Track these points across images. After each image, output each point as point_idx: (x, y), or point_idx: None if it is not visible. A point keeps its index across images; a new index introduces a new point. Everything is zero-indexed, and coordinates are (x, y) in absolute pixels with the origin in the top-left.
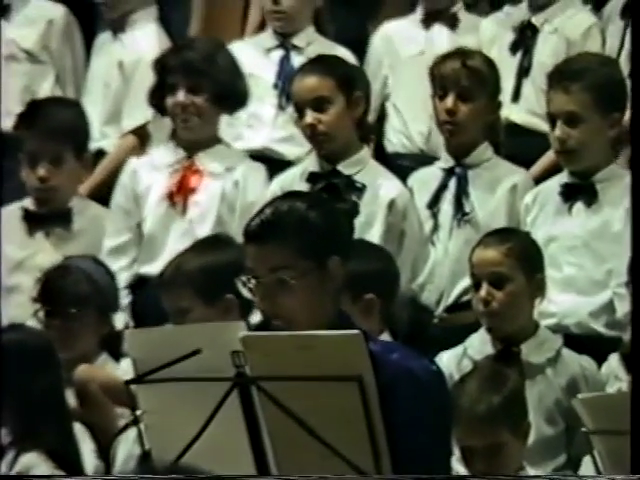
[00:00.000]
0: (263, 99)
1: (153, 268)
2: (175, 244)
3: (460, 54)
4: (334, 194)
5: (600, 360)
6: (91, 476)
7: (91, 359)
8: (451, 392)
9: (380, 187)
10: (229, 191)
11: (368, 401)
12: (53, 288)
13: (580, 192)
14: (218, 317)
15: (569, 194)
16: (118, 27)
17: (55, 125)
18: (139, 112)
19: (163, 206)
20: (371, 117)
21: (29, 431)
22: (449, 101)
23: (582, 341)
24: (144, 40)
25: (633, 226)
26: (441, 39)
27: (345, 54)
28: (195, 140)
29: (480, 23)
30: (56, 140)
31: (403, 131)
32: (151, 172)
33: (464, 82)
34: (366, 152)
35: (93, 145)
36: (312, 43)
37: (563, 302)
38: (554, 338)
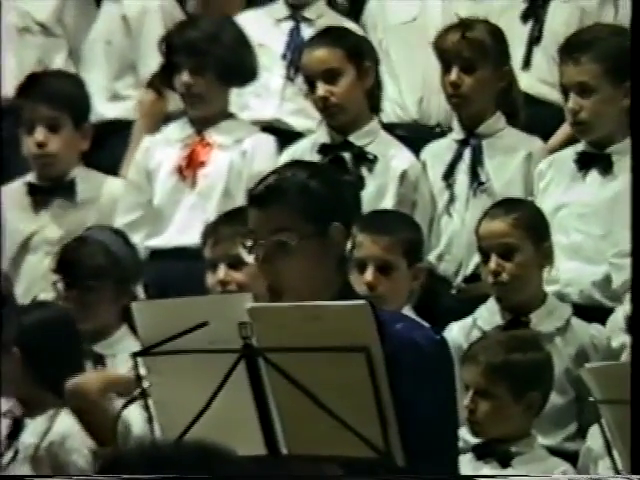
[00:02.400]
0: (271, 70)
1: (160, 241)
2: (183, 217)
3: (460, 26)
4: (341, 166)
5: None
6: (92, 476)
7: (111, 331)
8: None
9: (392, 158)
10: (237, 162)
11: (375, 372)
12: (70, 260)
13: (595, 161)
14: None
15: (584, 162)
16: None
17: (52, 92)
18: (153, 61)
19: (173, 180)
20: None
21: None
22: (453, 74)
23: (583, 310)
24: None
25: (633, 226)
26: (435, 6)
27: (353, 27)
28: (204, 116)
29: None
30: (52, 106)
31: (397, 99)
32: (163, 148)
33: (466, 54)
34: (377, 123)
35: (103, 109)
36: (322, 16)
37: (567, 269)
38: (563, 307)
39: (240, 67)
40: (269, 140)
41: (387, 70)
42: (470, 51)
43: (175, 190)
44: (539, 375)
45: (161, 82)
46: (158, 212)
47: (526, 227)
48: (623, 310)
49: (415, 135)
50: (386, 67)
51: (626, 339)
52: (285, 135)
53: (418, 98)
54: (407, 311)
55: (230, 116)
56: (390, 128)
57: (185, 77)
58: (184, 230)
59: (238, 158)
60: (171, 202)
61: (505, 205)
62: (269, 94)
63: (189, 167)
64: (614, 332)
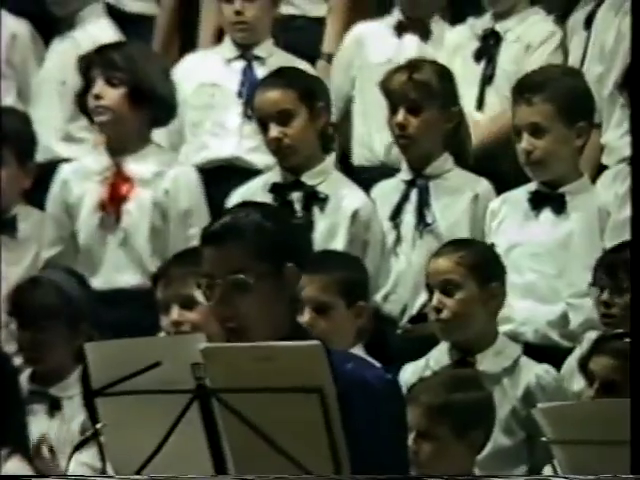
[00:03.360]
0: (228, 108)
1: (94, 283)
2: (113, 255)
3: (408, 67)
4: (290, 209)
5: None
6: (91, 476)
7: (66, 373)
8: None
9: (343, 198)
10: (160, 200)
11: (329, 412)
12: (23, 301)
13: (548, 200)
14: None
15: (538, 202)
16: (68, 26)
17: None
18: None
19: (96, 216)
20: (335, 119)
21: None
22: (399, 115)
23: (539, 350)
24: (100, 31)
25: (633, 225)
26: (411, 49)
27: (304, 66)
28: (120, 142)
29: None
30: None
31: (366, 141)
32: (82, 182)
33: (412, 95)
34: (329, 163)
35: (58, 148)
36: (273, 54)
37: (522, 309)
38: (512, 347)
39: (154, 92)
40: (190, 173)
41: (359, 110)
42: (416, 92)
43: (100, 227)
44: (481, 414)
45: (81, 107)
46: (85, 250)
47: (470, 266)
48: (580, 351)
49: (383, 178)
50: (358, 107)
51: (582, 382)
52: (245, 172)
53: (387, 140)
54: (358, 350)
55: (149, 143)
56: (360, 171)
57: (98, 88)
58: (118, 269)
59: (161, 196)
60: (98, 239)
61: (455, 244)
62: (227, 133)
63: (111, 203)
64: (572, 374)
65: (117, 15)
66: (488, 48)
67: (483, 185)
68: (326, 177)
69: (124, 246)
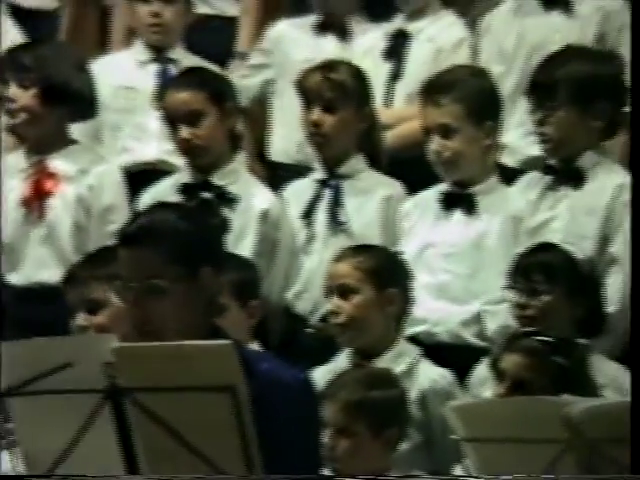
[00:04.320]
0: (147, 111)
1: (15, 278)
2: (35, 250)
3: (324, 67)
4: (207, 208)
5: (467, 370)
6: (93, 476)
7: None
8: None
9: (253, 197)
10: (84, 195)
11: (241, 411)
12: None
13: (459, 201)
14: None
15: (449, 202)
16: None
17: None
18: None
19: (20, 212)
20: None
21: None
22: (314, 114)
23: (451, 350)
24: (4, 32)
25: (633, 225)
26: (331, 48)
27: (216, 68)
28: (40, 141)
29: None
30: None
31: (284, 139)
32: (7, 181)
33: (327, 94)
34: (238, 163)
35: None
36: (186, 57)
37: (435, 309)
38: (411, 350)
39: (67, 89)
40: (114, 171)
41: (277, 107)
42: (332, 92)
43: (24, 223)
44: (396, 411)
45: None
46: (9, 246)
47: (368, 270)
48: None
49: (298, 176)
50: (276, 105)
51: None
52: (169, 174)
53: (301, 138)
54: (254, 348)
55: (72, 142)
56: (275, 168)
57: (10, 91)
58: (41, 265)
59: (85, 192)
60: (20, 235)
61: (355, 249)
62: (148, 136)
63: (34, 197)
64: (484, 379)
65: (16, 12)
66: (398, 48)
67: (395, 187)
68: (236, 177)
69: (47, 242)
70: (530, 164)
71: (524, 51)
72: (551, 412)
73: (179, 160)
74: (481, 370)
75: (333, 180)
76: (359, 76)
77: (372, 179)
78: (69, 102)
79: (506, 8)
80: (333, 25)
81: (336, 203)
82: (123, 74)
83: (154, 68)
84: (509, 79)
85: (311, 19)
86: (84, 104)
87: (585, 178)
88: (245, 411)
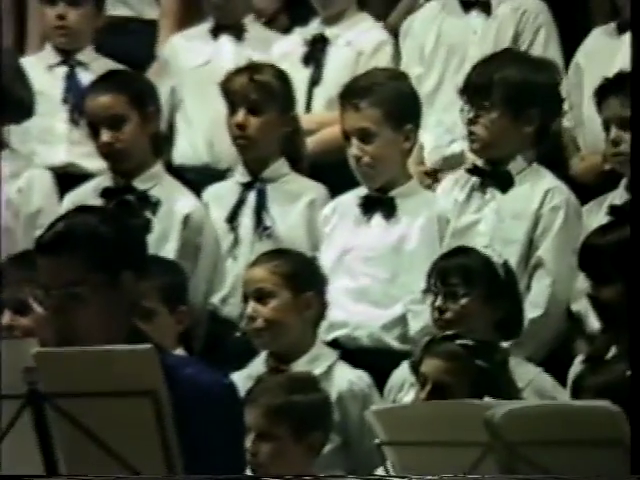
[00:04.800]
0: (54, 115)
1: None
2: None
3: (249, 69)
4: (128, 210)
5: (388, 374)
6: (93, 476)
7: None
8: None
9: (175, 202)
10: (14, 198)
11: (162, 415)
12: None
13: (379, 205)
14: None
15: (368, 206)
16: None
17: None
18: None
19: None
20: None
21: None
22: (239, 115)
23: (372, 353)
24: None
25: (632, 226)
26: (227, 50)
27: (133, 71)
28: None
29: (270, 36)
30: None
31: (190, 143)
32: None
33: (253, 96)
34: (160, 167)
35: None
36: (96, 60)
37: (356, 313)
38: (328, 354)
39: (8, 94)
40: (44, 175)
41: (181, 114)
42: (257, 93)
43: None
44: (319, 415)
45: None
46: None
47: (284, 275)
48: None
49: (206, 179)
50: (180, 111)
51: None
52: (79, 178)
53: (209, 141)
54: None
55: (4, 147)
56: (181, 171)
57: None
58: None
59: (14, 194)
60: None
61: (271, 254)
62: (56, 139)
63: None
64: (403, 382)
65: None
66: (316, 53)
67: (319, 190)
68: (158, 181)
69: None
70: (448, 164)
71: (442, 52)
72: (473, 415)
73: (90, 163)
74: (400, 373)
75: (257, 184)
76: (284, 79)
77: (296, 183)
78: (9, 107)
79: (427, 10)
80: (228, 28)
81: (261, 207)
82: (33, 78)
83: (62, 71)
84: (428, 80)
85: (207, 24)
86: (23, 109)
87: (513, 182)
88: (166, 416)
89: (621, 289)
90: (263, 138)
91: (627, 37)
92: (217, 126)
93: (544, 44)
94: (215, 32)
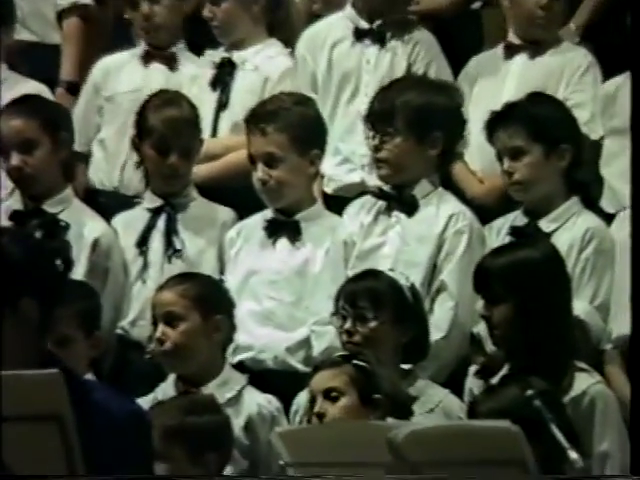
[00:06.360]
0: None
1: None
2: None
3: (158, 97)
4: (47, 232)
5: (293, 396)
6: (93, 476)
7: None
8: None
9: (84, 226)
10: None
11: (68, 440)
12: None
13: (284, 228)
14: None
15: (273, 230)
16: None
17: None
18: None
19: None
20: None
21: None
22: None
23: (277, 376)
24: None
25: (633, 229)
26: (158, 77)
27: (42, 89)
28: None
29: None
30: None
31: (104, 167)
32: None
33: (166, 132)
34: (70, 191)
35: None
36: (7, 79)
37: (261, 336)
38: (238, 378)
39: None
40: None
41: (102, 137)
42: (169, 130)
43: None
44: (216, 437)
45: None
46: None
47: (194, 298)
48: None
49: (117, 203)
50: (102, 134)
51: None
52: None
53: (121, 166)
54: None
55: None
56: (93, 195)
57: None
58: None
59: None
60: None
61: (179, 277)
62: None
63: None
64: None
65: None
66: (224, 77)
67: (228, 214)
68: (67, 205)
69: None
70: (346, 192)
71: (336, 80)
72: (376, 436)
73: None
74: (305, 395)
75: (167, 208)
76: (193, 106)
77: (205, 207)
78: None
79: (318, 37)
80: (159, 55)
81: (171, 230)
82: None
83: None
84: (323, 108)
85: (138, 50)
86: None
87: (418, 206)
88: (72, 440)
89: (512, 309)
90: (180, 170)
91: (516, 60)
92: (130, 153)
93: (436, 76)
94: (146, 58)
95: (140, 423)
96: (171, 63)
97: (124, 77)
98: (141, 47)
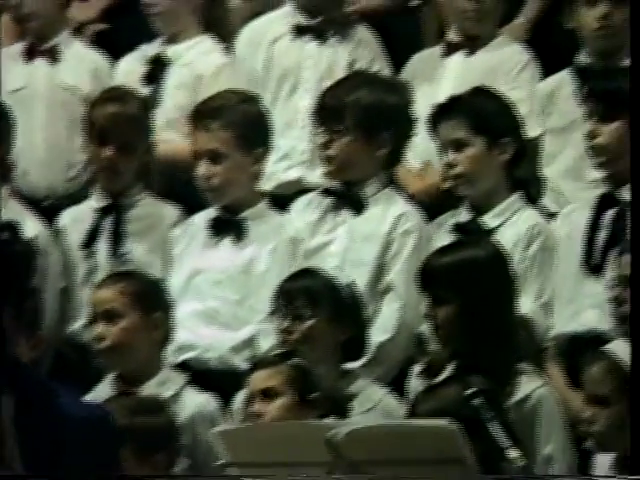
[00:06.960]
0: None
1: None
2: None
3: (108, 97)
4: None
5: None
6: (92, 476)
7: None
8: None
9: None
10: None
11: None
12: None
13: (228, 227)
14: None
15: (217, 228)
16: None
17: None
18: None
19: None
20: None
21: None
22: (106, 150)
23: (221, 375)
24: None
25: (633, 228)
26: (42, 72)
27: None
28: None
29: (85, 54)
30: None
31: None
32: None
33: (119, 131)
34: (5, 191)
35: None
36: None
37: (206, 335)
38: (176, 377)
39: None
40: None
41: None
42: (123, 129)
43: None
44: (163, 438)
45: None
46: None
47: (132, 296)
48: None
49: (59, 203)
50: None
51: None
52: None
53: (47, 165)
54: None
55: None
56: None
57: None
58: None
59: None
60: None
61: (117, 276)
62: None
63: None
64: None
65: None
66: (157, 73)
67: (172, 212)
68: (2, 206)
69: None
70: (284, 190)
71: (275, 76)
72: (315, 435)
73: None
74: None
75: (114, 208)
76: (144, 104)
77: (151, 206)
78: None
79: (257, 33)
80: (42, 50)
81: (118, 232)
82: None
83: None
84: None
85: (20, 45)
86: None
87: (366, 205)
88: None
89: (456, 309)
90: (124, 167)
91: (454, 58)
92: (54, 150)
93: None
94: (29, 54)
95: (108, 426)
96: (53, 56)
97: (11, 74)
98: (24, 42)
